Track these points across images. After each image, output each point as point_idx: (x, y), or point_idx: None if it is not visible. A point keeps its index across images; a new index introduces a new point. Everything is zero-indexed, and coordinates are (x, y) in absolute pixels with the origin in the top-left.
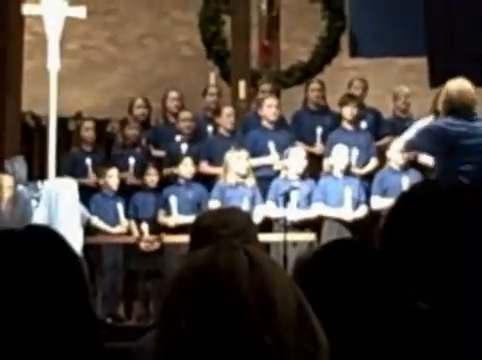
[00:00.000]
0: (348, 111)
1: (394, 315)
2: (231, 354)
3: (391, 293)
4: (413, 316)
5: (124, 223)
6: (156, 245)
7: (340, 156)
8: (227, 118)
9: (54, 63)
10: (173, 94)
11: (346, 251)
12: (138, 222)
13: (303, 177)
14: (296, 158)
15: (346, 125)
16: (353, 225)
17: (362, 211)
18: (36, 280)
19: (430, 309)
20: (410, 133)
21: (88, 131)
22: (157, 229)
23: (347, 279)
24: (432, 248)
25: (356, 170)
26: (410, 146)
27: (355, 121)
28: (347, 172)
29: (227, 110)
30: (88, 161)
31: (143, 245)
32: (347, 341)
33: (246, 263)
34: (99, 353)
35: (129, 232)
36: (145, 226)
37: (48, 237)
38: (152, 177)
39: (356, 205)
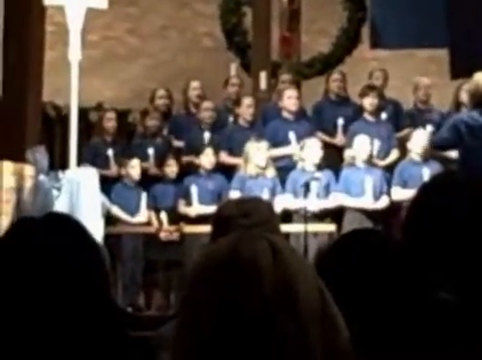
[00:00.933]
0: (368, 102)
1: (416, 305)
2: (253, 344)
3: (413, 283)
4: (436, 306)
5: (144, 212)
6: (175, 235)
7: (362, 147)
8: (247, 109)
9: (75, 54)
10: (195, 84)
11: (366, 240)
12: (157, 212)
13: (320, 168)
14: (312, 149)
15: (367, 116)
16: (375, 216)
17: (384, 202)
18: (56, 267)
19: (453, 299)
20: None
21: (110, 122)
22: (176, 219)
23: (368, 268)
24: (454, 238)
25: (377, 161)
26: (442, 143)
27: (376, 112)
28: (369, 163)
29: (247, 101)
30: (109, 152)
31: (163, 235)
32: (369, 331)
33: (269, 253)
34: (120, 341)
35: (149, 222)
36: (164, 215)
37: (68, 225)
38: (172, 168)
39: (378, 196)
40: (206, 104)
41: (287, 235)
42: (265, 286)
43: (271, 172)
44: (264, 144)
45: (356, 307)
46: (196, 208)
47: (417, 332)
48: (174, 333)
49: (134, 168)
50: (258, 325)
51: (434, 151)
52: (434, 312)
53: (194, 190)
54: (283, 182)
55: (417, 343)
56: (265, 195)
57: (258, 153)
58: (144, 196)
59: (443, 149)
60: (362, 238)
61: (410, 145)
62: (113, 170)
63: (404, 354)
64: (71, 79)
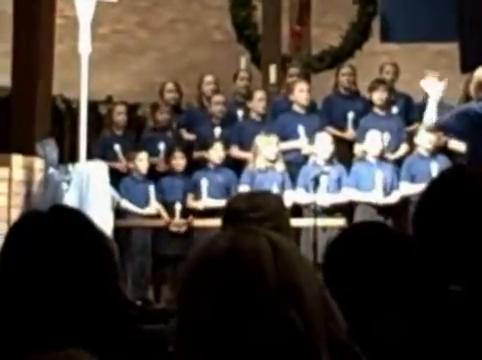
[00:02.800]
0: (377, 96)
1: (427, 297)
2: (262, 338)
3: (423, 275)
4: (446, 298)
5: (154, 205)
6: (183, 228)
7: (374, 142)
8: (259, 102)
9: (85, 47)
10: (208, 78)
11: (372, 233)
12: (165, 206)
13: (331, 162)
14: (323, 144)
15: (377, 110)
16: (386, 210)
17: (395, 197)
18: (62, 261)
19: (463, 291)
20: (432, 112)
21: (120, 115)
22: (185, 212)
23: (376, 261)
24: (464, 232)
25: (387, 155)
26: (443, 127)
27: (386, 106)
28: (381, 157)
29: (259, 94)
30: (119, 145)
31: (173, 228)
32: (376, 321)
33: (269, 248)
34: (130, 334)
35: (158, 215)
36: (178, 206)
37: (73, 218)
38: (178, 160)
39: (389, 191)
40: (217, 98)
41: (297, 230)
42: (269, 281)
43: (281, 166)
44: (274, 138)
45: (365, 299)
46: (204, 201)
47: (427, 324)
48: (175, 325)
49: (142, 161)
50: (266, 320)
51: (436, 129)
52: (444, 304)
53: (204, 183)
54: (291, 176)
55: (427, 335)
56: (274, 189)
57: (268, 146)
58: (152, 189)
59: (445, 132)
60: (368, 231)
61: (417, 140)
62: (122, 163)
63: (413, 346)
64: (81, 72)
